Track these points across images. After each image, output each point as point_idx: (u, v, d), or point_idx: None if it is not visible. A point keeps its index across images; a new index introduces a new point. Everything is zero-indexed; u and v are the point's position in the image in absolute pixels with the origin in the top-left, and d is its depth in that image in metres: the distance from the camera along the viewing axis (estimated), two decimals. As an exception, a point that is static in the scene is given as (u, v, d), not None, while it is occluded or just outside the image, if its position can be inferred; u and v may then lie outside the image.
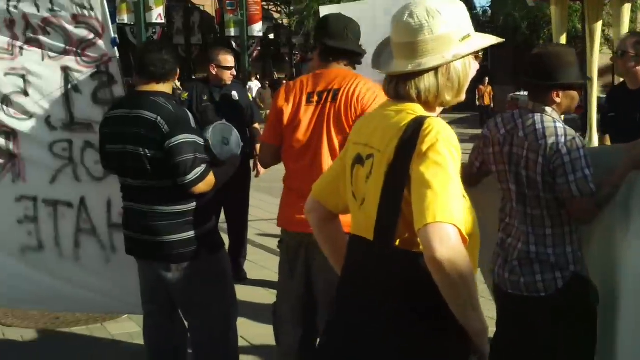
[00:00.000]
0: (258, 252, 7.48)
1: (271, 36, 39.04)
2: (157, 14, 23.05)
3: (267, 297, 5.97)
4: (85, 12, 3.71)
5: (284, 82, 25.63)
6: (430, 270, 1.77)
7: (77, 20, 3.73)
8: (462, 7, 2.03)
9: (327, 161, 3.31)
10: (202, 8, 37.49)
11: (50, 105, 3.84)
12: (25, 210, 4.00)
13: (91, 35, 3.73)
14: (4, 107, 3.90)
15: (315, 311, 3.44)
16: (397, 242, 1.90)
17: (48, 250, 4.00)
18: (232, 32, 27.64)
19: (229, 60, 5.95)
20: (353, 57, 3.51)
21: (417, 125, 1.90)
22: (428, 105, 2.01)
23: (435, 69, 1.96)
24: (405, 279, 1.90)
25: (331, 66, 3.47)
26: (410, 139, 1.88)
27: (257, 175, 6.34)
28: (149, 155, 3.40)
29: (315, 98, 3.41)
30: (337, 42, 3.45)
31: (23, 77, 3.86)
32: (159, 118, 3.38)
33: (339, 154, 3.32)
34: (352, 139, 2.19)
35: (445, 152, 1.84)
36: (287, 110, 3.44)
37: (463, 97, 2.05)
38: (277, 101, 3.52)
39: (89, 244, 3.93)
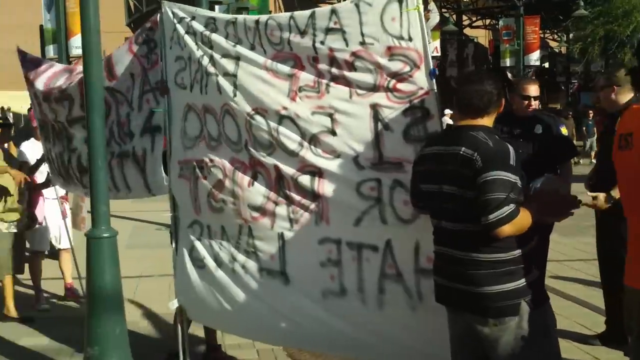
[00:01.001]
0: (554, 298, 6.85)
1: (546, 65, 37.69)
2: (434, 47, 23.27)
3: (574, 352, 5.38)
4: (403, 43, 3.45)
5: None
6: None
7: (391, 52, 3.48)
8: None
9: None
10: (475, 40, 37.28)
11: (359, 144, 3.64)
12: (329, 253, 3.85)
13: (407, 68, 3.46)
14: (312, 146, 3.81)
15: None
16: None
17: (350, 296, 3.81)
18: (508, 62, 27.16)
19: (529, 89, 5.51)
20: None
21: None
22: None
23: None
24: None
25: None
26: None
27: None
28: (466, 196, 3.08)
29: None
30: None
31: (330, 115, 3.72)
32: (475, 154, 3.06)
33: None
34: None
35: None
36: (613, 153, 3.14)
37: None
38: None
39: (394, 291, 3.65)
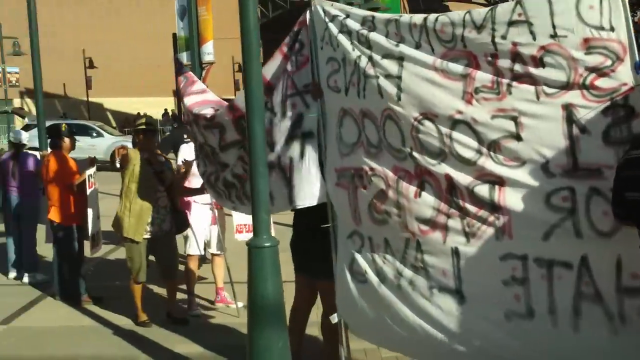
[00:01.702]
0: None
1: None
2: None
3: None
4: (603, 34, 3.07)
5: None
6: None
7: (588, 44, 3.11)
8: None
9: None
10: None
11: (549, 150, 3.27)
12: (513, 270, 3.49)
13: (608, 62, 3.08)
14: (492, 153, 3.47)
15: None
16: None
17: (539, 318, 3.44)
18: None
19: None
20: None
21: None
22: None
23: None
24: None
25: None
26: None
27: None
28: None
29: None
30: None
31: (514, 119, 3.36)
32: None
33: None
34: None
35: None
36: None
37: None
38: None
39: (592, 312, 3.27)
